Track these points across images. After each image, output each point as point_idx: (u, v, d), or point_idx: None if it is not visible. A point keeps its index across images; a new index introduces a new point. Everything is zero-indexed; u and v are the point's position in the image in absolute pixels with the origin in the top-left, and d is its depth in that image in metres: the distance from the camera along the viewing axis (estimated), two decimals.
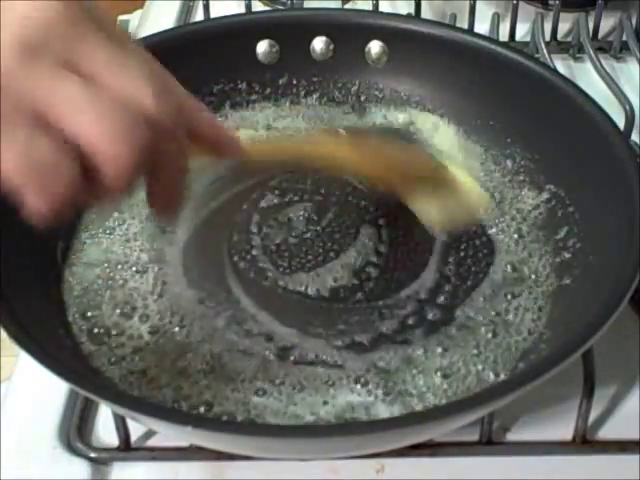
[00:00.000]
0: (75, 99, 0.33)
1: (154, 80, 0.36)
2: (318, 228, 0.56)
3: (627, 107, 0.65)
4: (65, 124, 0.33)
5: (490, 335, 0.49)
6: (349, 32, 0.63)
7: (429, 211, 0.53)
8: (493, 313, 0.50)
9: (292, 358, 0.48)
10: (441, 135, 0.62)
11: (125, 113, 0.34)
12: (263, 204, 0.57)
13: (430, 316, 0.50)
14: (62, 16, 0.34)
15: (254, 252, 0.54)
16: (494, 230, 0.55)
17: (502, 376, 0.47)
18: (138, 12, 0.87)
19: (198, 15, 0.81)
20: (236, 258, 0.54)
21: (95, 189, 0.35)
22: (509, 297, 0.51)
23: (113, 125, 0.34)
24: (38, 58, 0.33)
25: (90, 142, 0.34)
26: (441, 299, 0.51)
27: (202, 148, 0.41)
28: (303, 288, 0.52)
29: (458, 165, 0.58)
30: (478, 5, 0.76)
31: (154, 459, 0.47)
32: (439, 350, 0.48)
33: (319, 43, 0.63)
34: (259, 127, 0.63)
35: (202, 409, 0.45)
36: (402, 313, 0.50)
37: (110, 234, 0.55)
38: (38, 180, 0.33)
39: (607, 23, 0.78)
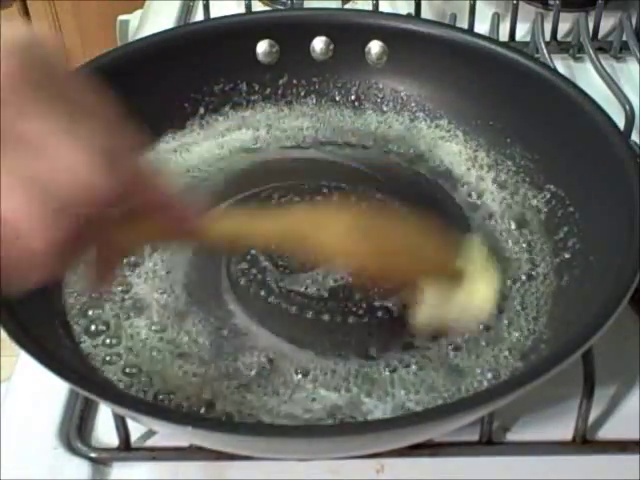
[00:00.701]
0: (8, 178, 0.31)
1: (104, 151, 0.33)
2: None
3: (627, 107, 0.65)
4: None
5: (490, 335, 0.49)
6: (349, 32, 0.63)
7: (423, 309, 0.46)
8: (493, 313, 0.50)
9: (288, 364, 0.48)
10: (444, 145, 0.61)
11: (63, 190, 0.32)
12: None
13: None
14: (8, 86, 0.32)
15: (253, 252, 0.54)
16: (494, 230, 0.55)
17: (502, 376, 0.47)
18: (138, 12, 0.87)
19: (198, 15, 0.81)
20: (236, 260, 0.54)
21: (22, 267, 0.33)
22: (509, 297, 0.51)
23: (47, 204, 0.32)
24: None
25: (16, 220, 0.32)
26: None
27: (156, 226, 0.39)
28: (303, 288, 0.52)
29: (477, 267, 0.47)
30: (478, 5, 0.76)
31: (154, 459, 0.47)
32: (439, 350, 0.48)
33: (319, 43, 0.63)
34: (259, 127, 0.63)
35: (202, 409, 0.45)
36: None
37: None
38: None
39: (607, 23, 0.78)
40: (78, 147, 0.33)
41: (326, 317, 0.50)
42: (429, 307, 0.46)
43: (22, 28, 0.34)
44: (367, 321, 0.50)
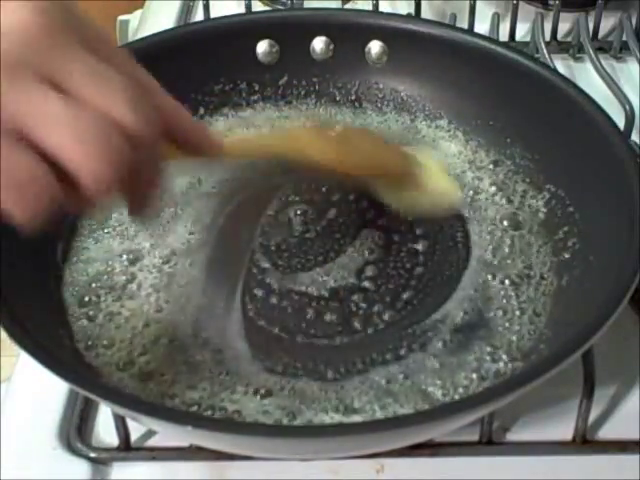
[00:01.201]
0: (53, 117, 0.34)
1: (134, 92, 0.36)
2: (318, 228, 0.56)
3: (627, 107, 0.65)
4: (44, 141, 0.34)
5: (490, 335, 0.49)
6: (349, 32, 0.63)
7: (401, 201, 0.54)
8: (493, 313, 0.50)
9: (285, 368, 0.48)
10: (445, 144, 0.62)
11: (103, 130, 0.34)
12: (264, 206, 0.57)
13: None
14: (40, 30, 0.34)
15: (255, 254, 0.54)
16: (493, 230, 0.55)
17: (502, 376, 0.47)
18: (138, 12, 0.87)
19: (198, 15, 0.81)
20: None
21: (76, 199, 0.36)
22: (509, 297, 0.51)
23: (91, 143, 0.34)
24: (17, 74, 0.33)
25: (69, 159, 0.34)
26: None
27: (180, 148, 0.42)
28: (303, 288, 0.52)
29: (431, 159, 0.56)
30: (478, 5, 0.76)
31: (154, 459, 0.47)
32: (439, 350, 0.48)
33: (319, 43, 0.63)
34: (259, 127, 0.63)
35: (201, 409, 0.45)
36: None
37: (111, 233, 0.55)
38: (17, 194, 0.34)
39: (607, 23, 0.78)
40: (111, 90, 0.35)
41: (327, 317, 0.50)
42: (405, 198, 0.54)
43: None
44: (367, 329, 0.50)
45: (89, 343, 0.49)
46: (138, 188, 0.39)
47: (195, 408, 0.45)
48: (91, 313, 0.50)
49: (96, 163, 0.34)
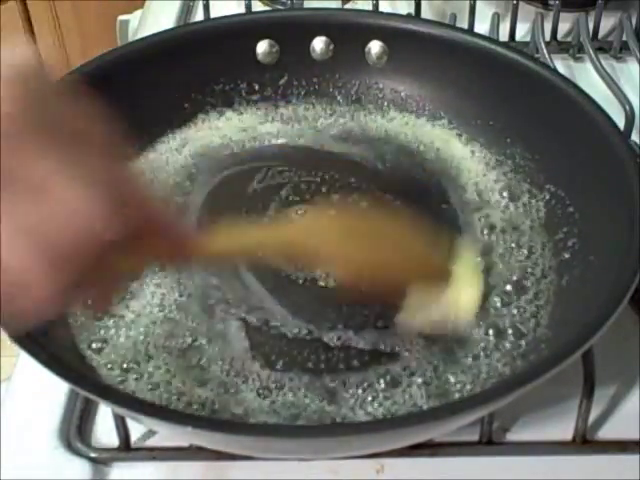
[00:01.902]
0: (9, 225, 0.32)
1: (107, 190, 0.33)
2: None
3: (627, 107, 0.65)
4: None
5: (490, 335, 0.49)
6: (349, 32, 0.63)
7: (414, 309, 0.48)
8: (493, 313, 0.50)
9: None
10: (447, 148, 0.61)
11: (62, 241, 0.32)
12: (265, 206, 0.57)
13: None
14: (9, 130, 0.32)
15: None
16: (493, 230, 0.55)
17: (502, 376, 0.47)
18: (138, 12, 0.87)
19: (198, 15, 0.81)
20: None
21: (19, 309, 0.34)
22: (509, 297, 0.51)
23: (51, 253, 0.32)
24: None
25: (17, 269, 0.32)
26: None
27: (157, 248, 0.40)
28: (303, 287, 0.52)
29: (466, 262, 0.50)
30: (478, 5, 0.76)
31: (154, 459, 0.47)
32: (438, 350, 0.48)
33: (319, 43, 0.63)
34: (259, 127, 0.63)
35: (201, 409, 0.45)
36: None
37: None
38: None
39: (607, 23, 0.78)
40: (78, 189, 0.33)
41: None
42: (415, 309, 0.47)
43: (23, 54, 0.34)
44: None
45: (90, 343, 0.49)
46: (103, 287, 0.38)
47: (199, 409, 0.45)
48: (92, 313, 0.50)
49: (51, 275, 0.32)
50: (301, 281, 0.52)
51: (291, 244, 0.45)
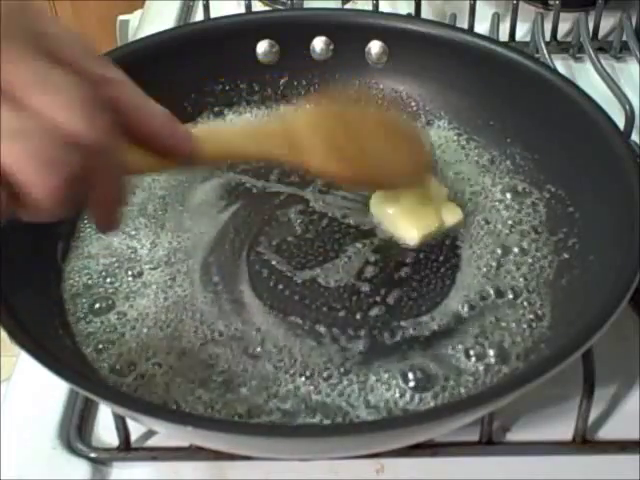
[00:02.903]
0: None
1: (86, 98, 0.34)
2: (318, 228, 0.56)
3: (627, 107, 0.65)
4: None
5: (490, 335, 0.49)
6: (349, 32, 0.63)
7: (399, 223, 0.54)
8: (493, 313, 0.50)
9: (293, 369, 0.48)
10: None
11: (51, 142, 0.33)
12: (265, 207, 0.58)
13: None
14: None
15: (265, 253, 0.54)
16: (493, 230, 0.55)
17: (502, 376, 0.47)
18: (138, 12, 0.87)
19: (198, 15, 0.81)
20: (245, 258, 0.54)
21: (29, 210, 0.35)
22: (509, 297, 0.51)
23: (38, 156, 0.33)
24: None
25: (15, 174, 0.33)
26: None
27: (149, 150, 0.40)
28: (303, 287, 0.52)
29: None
30: (478, 5, 0.76)
31: (154, 459, 0.47)
32: (438, 350, 0.48)
33: (319, 43, 0.63)
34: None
35: (202, 409, 0.45)
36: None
37: (111, 233, 0.55)
38: None
39: (607, 23, 0.78)
40: (62, 98, 0.34)
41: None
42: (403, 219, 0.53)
43: None
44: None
45: (90, 343, 0.49)
46: (103, 202, 0.38)
47: (200, 409, 0.45)
48: (92, 312, 0.50)
49: (43, 177, 0.33)
50: (300, 281, 0.52)
51: (284, 137, 0.46)
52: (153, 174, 0.56)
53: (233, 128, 0.45)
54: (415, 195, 0.54)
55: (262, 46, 0.63)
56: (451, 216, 0.55)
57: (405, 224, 0.54)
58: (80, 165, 0.34)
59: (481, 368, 0.47)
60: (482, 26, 0.76)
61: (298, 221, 0.56)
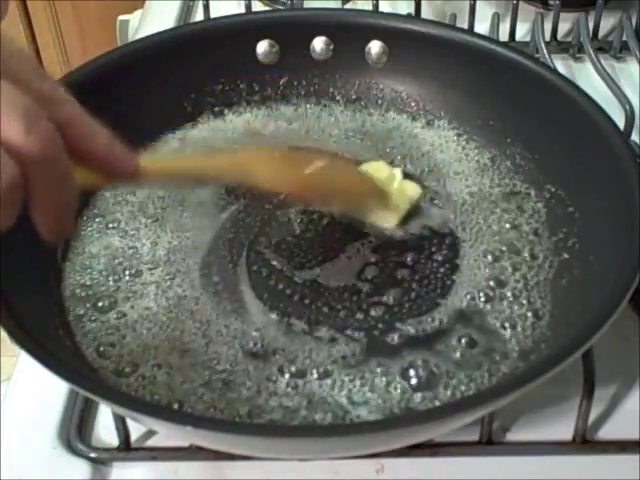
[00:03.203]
0: None
1: (28, 108, 0.35)
2: (318, 228, 0.56)
3: (627, 107, 0.65)
4: None
5: (490, 335, 0.49)
6: (349, 32, 0.63)
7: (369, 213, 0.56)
8: (493, 314, 0.50)
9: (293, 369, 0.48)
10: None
11: None
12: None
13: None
14: None
15: (265, 253, 0.54)
16: (493, 230, 0.55)
17: (502, 376, 0.47)
18: (138, 12, 0.87)
19: (198, 15, 0.81)
20: (245, 259, 0.54)
21: None
22: (509, 297, 0.51)
23: None
24: None
25: None
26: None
27: (91, 168, 0.40)
28: (303, 287, 0.52)
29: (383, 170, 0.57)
30: (478, 5, 0.76)
31: (154, 459, 0.47)
32: (438, 350, 0.48)
33: (319, 43, 0.63)
34: (259, 127, 0.63)
35: (203, 409, 0.45)
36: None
37: (111, 232, 0.55)
38: None
39: (607, 23, 0.78)
40: (5, 108, 0.34)
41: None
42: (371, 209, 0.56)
43: None
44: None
45: (90, 343, 0.49)
46: (46, 211, 0.38)
47: (200, 409, 0.45)
48: (92, 312, 0.50)
49: None
50: (300, 281, 0.52)
51: (231, 165, 0.48)
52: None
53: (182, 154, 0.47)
54: (377, 184, 0.56)
55: (262, 46, 0.63)
56: (413, 192, 0.57)
57: (378, 214, 0.56)
58: (19, 174, 0.34)
59: (481, 368, 0.47)
60: (482, 26, 0.76)
61: (298, 221, 0.56)
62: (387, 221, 0.55)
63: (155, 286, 0.52)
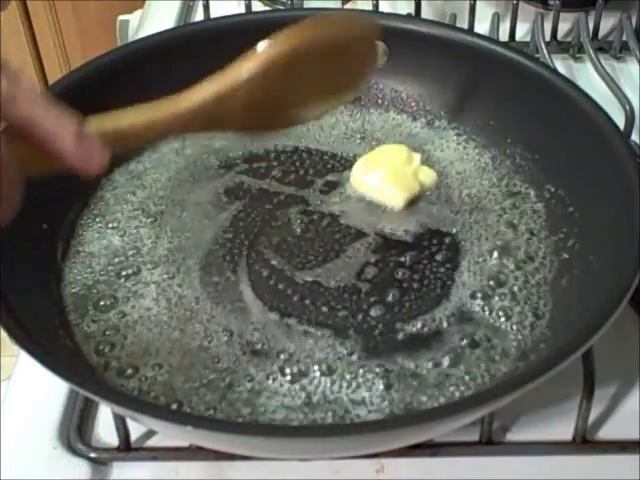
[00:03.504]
0: None
1: None
2: (318, 228, 0.56)
3: (627, 107, 0.65)
4: None
5: (490, 335, 0.49)
6: None
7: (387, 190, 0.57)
8: (493, 313, 0.50)
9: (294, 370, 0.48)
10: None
11: None
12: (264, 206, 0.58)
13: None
14: None
15: (265, 253, 0.54)
16: (493, 231, 0.55)
17: (502, 376, 0.47)
18: (138, 12, 0.87)
19: (198, 15, 0.81)
20: (244, 259, 0.54)
21: None
22: (509, 297, 0.51)
23: None
24: None
25: None
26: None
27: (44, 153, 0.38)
28: (303, 287, 0.52)
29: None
30: (478, 5, 0.76)
31: (154, 459, 0.47)
32: (438, 350, 0.48)
33: None
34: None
35: (203, 409, 0.45)
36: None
37: (111, 232, 0.55)
38: None
39: (607, 23, 0.78)
40: None
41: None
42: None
43: None
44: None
45: (90, 343, 0.49)
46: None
47: (201, 409, 0.45)
48: (92, 312, 0.50)
49: None
50: (300, 281, 0.52)
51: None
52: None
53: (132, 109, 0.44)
54: (393, 163, 0.57)
55: (262, 46, 0.63)
56: (427, 178, 0.58)
57: (388, 191, 0.57)
58: None
59: (481, 368, 0.47)
60: (482, 26, 0.76)
61: (298, 221, 0.56)
62: (394, 200, 0.57)
63: (155, 286, 0.52)
